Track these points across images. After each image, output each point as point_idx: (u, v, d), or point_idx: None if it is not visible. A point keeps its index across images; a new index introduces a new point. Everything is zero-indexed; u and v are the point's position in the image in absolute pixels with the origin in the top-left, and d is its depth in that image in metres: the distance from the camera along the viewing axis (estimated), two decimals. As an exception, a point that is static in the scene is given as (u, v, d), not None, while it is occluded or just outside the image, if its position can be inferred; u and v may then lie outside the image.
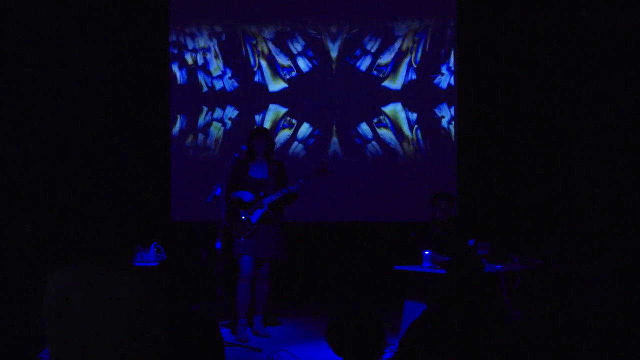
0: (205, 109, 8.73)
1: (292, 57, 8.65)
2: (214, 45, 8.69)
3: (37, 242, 7.51)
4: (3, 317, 6.65)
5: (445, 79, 8.52)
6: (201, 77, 8.71)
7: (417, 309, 5.63)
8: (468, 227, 7.01)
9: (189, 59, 8.72)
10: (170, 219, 8.66)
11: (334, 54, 8.61)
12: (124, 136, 8.46)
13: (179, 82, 8.73)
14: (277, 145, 8.36)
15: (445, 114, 8.53)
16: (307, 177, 6.64)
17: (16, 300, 6.98)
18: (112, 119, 8.42)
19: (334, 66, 8.62)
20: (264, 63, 8.66)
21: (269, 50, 8.65)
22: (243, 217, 6.62)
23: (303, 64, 8.64)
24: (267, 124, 8.57)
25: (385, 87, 8.58)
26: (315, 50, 8.62)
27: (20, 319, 6.69)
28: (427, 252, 6.19)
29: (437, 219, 6.75)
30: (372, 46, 8.59)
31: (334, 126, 8.62)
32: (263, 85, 8.67)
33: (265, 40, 8.64)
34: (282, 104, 8.67)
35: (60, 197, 7.87)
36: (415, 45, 8.54)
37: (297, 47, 8.63)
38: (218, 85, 8.72)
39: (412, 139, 8.56)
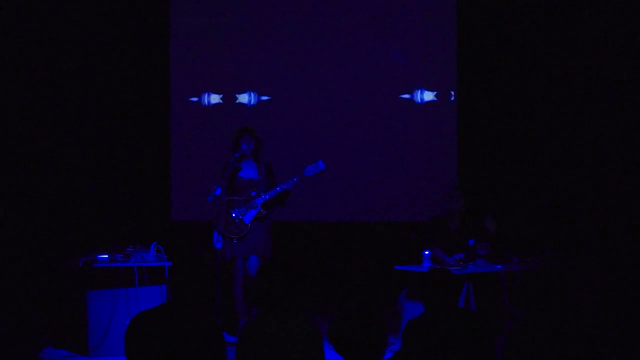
0: (205, 108, 8.71)
1: (293, 55, 8.64)
2: (215, 43, 8.67)
3: (37, 242, 7.51)
4: (3, 317, 6.65)
5: (446, 80, 8.53)
6: (202, 77, 8.69)
7: (417, 309, 5.62)
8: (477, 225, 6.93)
9: (189, 58, 8.70)
10: (170, 219, 8.66)
11: (330, 55, 8.62)
12: (124, 136, 8.45)
13: (179, 81, 8.71)
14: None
15: (446, 114, 8.52)
16: (302, 175, 6.51)
17: (16, 300, 6.99)
18: (112, 119, 8.41)
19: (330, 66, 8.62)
20: (265, 62, 8.64)
21: (271, 49, 8.64)
22: (234, 216, 6.54)
23: (303, 63, 8.64)
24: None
25: (385, 87, 8.58)
26: (314, 52, 8.63)
27: (20, 319, 6.70)
28: (427, 252, 6.19)
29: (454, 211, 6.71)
30: (373, 48, 8.60)
31: (333, 125, 8.61)
32: (263, 84, 8.66)
33: (266, 38, 8.63)
34: (282, 100, 8.65)
35: (60, 197, 7.87)
36: (416, 47, 8.55)
37: (299, 47, 8.63)
38: (218, 84, 8.70)
39: (413, 138, 8.55)
